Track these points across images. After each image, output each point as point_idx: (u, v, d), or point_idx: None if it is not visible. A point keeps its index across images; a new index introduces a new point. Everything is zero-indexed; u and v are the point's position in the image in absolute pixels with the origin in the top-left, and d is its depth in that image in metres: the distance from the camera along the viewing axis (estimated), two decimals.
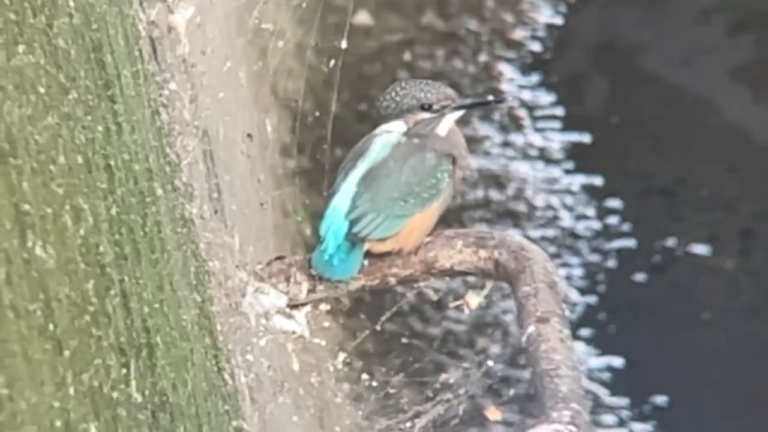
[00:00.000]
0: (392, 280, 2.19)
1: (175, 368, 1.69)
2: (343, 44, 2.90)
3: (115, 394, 1.44)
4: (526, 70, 4.38)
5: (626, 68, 4.41)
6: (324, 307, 2.21)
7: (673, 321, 3.88)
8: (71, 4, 1.61)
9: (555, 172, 4.16)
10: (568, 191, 4.12)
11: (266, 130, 2.87)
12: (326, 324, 2.29)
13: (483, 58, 4.35)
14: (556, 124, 4.28)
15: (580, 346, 3.76)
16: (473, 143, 4.09)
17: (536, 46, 4.42)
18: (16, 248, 1.29)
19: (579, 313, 3.89)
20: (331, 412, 2.35)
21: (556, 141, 4.23)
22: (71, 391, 1.34)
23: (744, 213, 4.07)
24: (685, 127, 4.28)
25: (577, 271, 3.97)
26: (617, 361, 3.80)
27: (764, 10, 4.47)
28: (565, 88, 4.36)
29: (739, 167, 4.17)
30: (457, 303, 2.21)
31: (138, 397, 1.51)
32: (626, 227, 4.06)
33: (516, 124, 4.24)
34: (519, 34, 4.42)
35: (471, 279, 2.27)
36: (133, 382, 1.51)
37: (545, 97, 4.33)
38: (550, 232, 4.02)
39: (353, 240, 2.15)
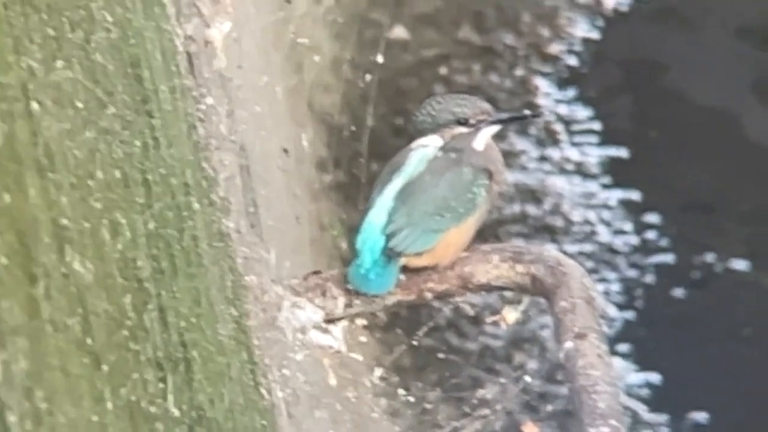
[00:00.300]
0: (428, 295, 2.18)
1: (212, 383, 1.69)
2: (380, 59, 2.90)
3: (152, 409, 1.44)
4: (562, 84, 4.37)
5: (664, 82, 4.39)
6: (360, 321, 2.20)
7: (712, 337, 3.85)
8: (109, 19, 1.62)
9: (592, 186, 4.14)
10: (606, 206, 4.10)
11: (302, 144, 2.88)
12: (363, 339, 2.28)
13: (519, 72, 4.34)
14: (593, 139, 4.26)
15: (618, 362, 3.73)
16: (510, 158, 4.08)
17: (573, 61, 4.41)
18: (54, 263, 1.30)
19: (617, 329, 3.86)
20: (368, 427, 2.34)
21: (593, 155, 4.21)
22: (109, 405, 1.34)
23: None
24: (725, 141, 4.25)
25: (615, 287, 3.94)
26: (656, 377, 3.77)
27: None
28: (602, 103, 4.35)
29: None
30: (494, 318, 2.20)
31: (175, 412, 1.51)
32: (664, 242, 4.03)
33: (553, 139, 4.23)
34: (555, 48, 4.41)
35: (508, 294, 2.25)
36: (171, 397, 1.51)
37: (582, 112, 4.31)
38: (588, 247, 4.00)
39: (389, 255, 2.14)
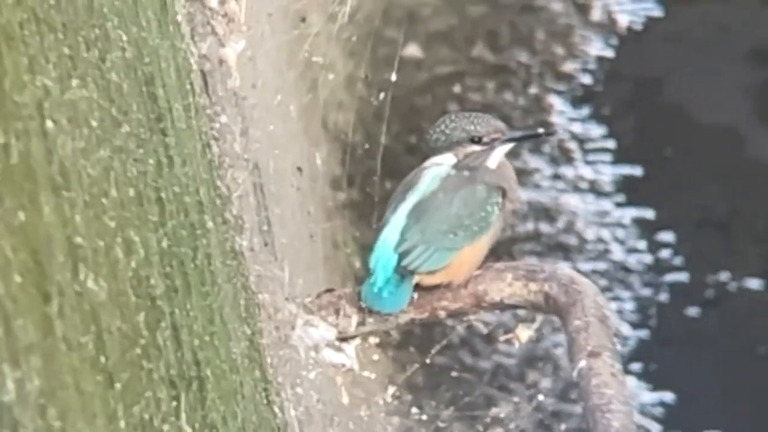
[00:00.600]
0: (442, 314, 2.18)
1: (225, 401, 1.69)
2: (393, 77, 2.90)
3: (165, 427, 1.45)
4: (576, 102, 4.36)
5: (677, 101, 4.38)
6: (373, 340, 2.20)
7: (726, 356, 3.83)
8: (124, 38, 1.62)
9: (606, 204, 4.14)
10: (620, 224, 4.09)
11: (316, 162, 2.88)
12: (376, 357, 2.28)
13: (533, 90, 4.34)
14: (607, 157, 4.26)
15: (631, 381, 3.72)
16: (523, 176, 4.08)
17: (587, 79, 4.41)
18: (68, 281, 1.30)
19: (631, 348, 3.85)
20: None
21: (607, 174, 4.21)
22: (122, 423, 1.34)
23: None
24: (739, 160, 4.25)
25: (629, 305, 3.94)
26: (669, 396, 3.76)
27: None
28: (616, 121, 4.35)
29: None
30: (508, 336, 2.20)
31: (188, 430, 1.51)
32: (678, 261, 4.02)
33: (566, 157, 4.23)
34: (569, 66, 4.41)
35: (521, 312, 2.25)
36: (184, 415, 1.51)
37: (596, 130, 4.31)
38: (601, 266, 3.99)
39: (403, 273, 2.14)
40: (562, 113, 4.32)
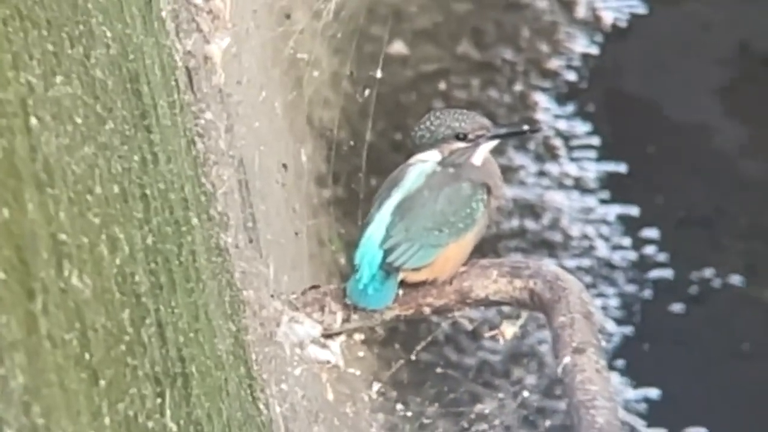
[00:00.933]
0: (427, 310, 2.19)
1: (210, 398, 1.69)
2: (379, 74, 2.90)
3: (150, 424, 1.44)
4: (561, 99, 4.37)
5: (662, 98, 4.39)
6: (359, 336, 2.20)
7: (710, 352, 3.85)
8: (108, 35, 1.62)
9: (591, 201, 4.14)
10: (604, 221, 4.10)
11: (301, 159, 2.88)
12: (361, 354, 2.28)
13: (518, 87, 4.35)
14: (592, 154, 4.27)
15: (616, 377, 3.73)
16: (508, 173, 4.08)
17: (572, 76, 4.42)
18: (52, 278, 1.30)
19: (615, 344, 3.86)
20: None
21: (592, 170, 4.21)
22: (107, 420, 1.34)
23: None
24: (723, 158, 4.26)
25: (613, 302, 3.94)
26: (654, 393, 3.77)
27: None
28: (601, 118, 4.35)
29: None
30: (493, 333, 2.20)
31: (173, 427, 1.51)
32: (663, 257, 4.03)
33: (551, 154, 4.23)
34: (554, 63, 4.42)
35: (506, 309, 2.26)
36: (168, 412, 1.51)
37: (581, 127, 4.32)
38: (586, 262, 4.00)
39: (388, 269, 2.15)
40: (547, 110, 4.33)
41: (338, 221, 3.45)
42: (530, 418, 3.39)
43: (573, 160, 4.24)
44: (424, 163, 2.20)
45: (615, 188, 4.19)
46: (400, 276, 2.16)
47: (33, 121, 1.34)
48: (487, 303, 2.18)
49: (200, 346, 1.71)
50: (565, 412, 2.09)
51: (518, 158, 4.19)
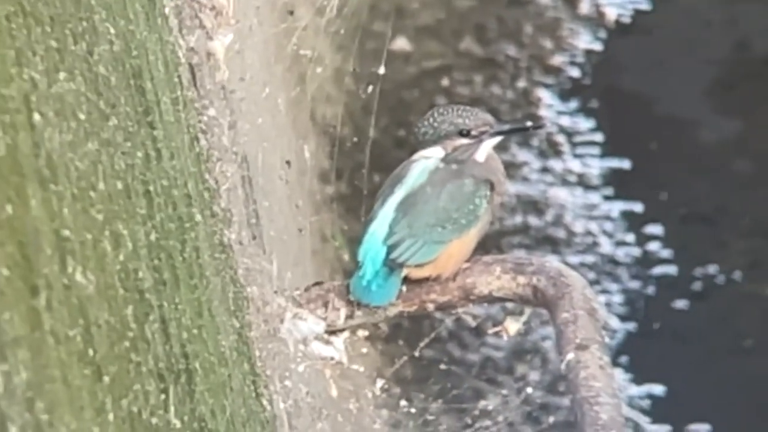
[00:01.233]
0: (430, 307, 2.18)
1: (214, 394, 1.69)
2: (381, 70, 2.90)
3: (154, 420, 1.45)
4: (564, 95, 4.37)
5: (666, 94, 4.39)
6: (362, 333, 2.20)
7: (714, 348, 3.84)
8: (112, 31, 1.62)
9: (594, 198, 4.14)
10: (608, 217, 4.09)
11: (304, 155, 2.88)
12: (364, 350, 2.29)
13: (521, 84, 4.35)
14: (595, 150, 4.26)
15: (619, 374, 3.73)
16: (512, 169, 4.08)
17: (575, 72, 4.41)
18: (56, 274, 1.30)
19: (619, 340, 3.86)
20: None
21: (595, 167, 4.21)
22: (110, 416, 1.34)
23: None
24: (727, 154, 4.26)
25: (617, 298, 3.94)
26: (658, 389, 3.77)
27: None
28: (604, 114, 4.35)
29: None
30: (496, 329, 2.20)
31: (177, 423, 1.51)
32: (666, 254, 4.03)
33: (555, 150, 4.23)
34: (558, 60, 4.42)
35: (509, 305, 2.26)
36: (172, 408, 1.51)
37: (584, 123, 4.31)
38: (589, 259, 4.00)
39: (391, 266, 2.14)
40: (550, 106, 4.33)
41: (341, 218, 3.45)
42: (534, 414, 3.39)
43: (576, 156, 4.24)
44: (427, 160, 2.20)
45: (618, 185, 4.19)
46: (404, 272, 2.16)
47: (36, 117, 1.34)
48: (490, 299, 2.18)
49: (204, 343, 1.71)
50: (569, 408, 2.09)
51: (521, 154, 4.19)
